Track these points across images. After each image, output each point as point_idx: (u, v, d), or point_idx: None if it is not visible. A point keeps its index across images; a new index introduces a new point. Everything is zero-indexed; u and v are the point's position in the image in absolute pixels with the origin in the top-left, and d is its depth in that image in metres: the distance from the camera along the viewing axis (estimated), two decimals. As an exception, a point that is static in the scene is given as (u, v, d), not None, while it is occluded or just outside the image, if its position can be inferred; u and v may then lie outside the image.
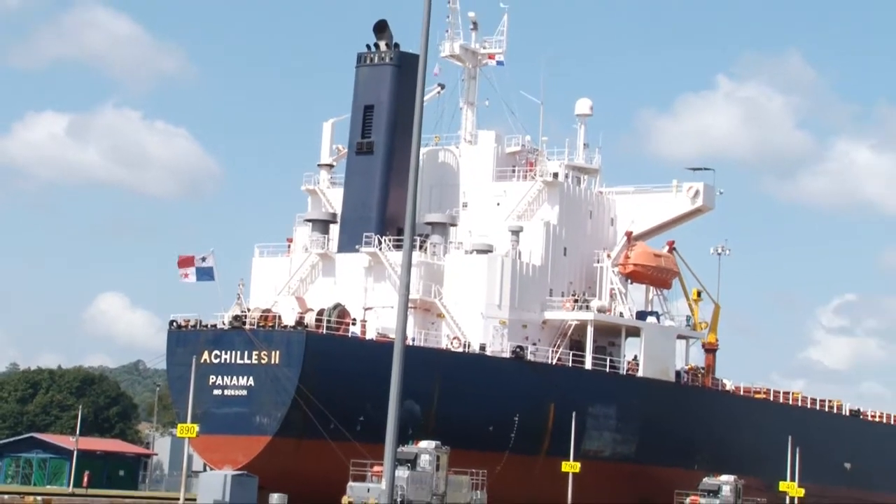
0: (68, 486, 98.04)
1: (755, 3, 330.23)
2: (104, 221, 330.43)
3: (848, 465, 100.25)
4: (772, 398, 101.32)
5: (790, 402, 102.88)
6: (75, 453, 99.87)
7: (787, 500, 77.94)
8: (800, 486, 77.62)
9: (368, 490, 62.76)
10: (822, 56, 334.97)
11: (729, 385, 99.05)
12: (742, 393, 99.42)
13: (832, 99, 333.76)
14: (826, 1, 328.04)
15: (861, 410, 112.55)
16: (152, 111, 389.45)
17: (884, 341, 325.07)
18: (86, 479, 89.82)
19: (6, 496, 68.63)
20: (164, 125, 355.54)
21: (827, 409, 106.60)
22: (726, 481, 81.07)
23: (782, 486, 77.61)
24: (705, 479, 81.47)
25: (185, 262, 73.12)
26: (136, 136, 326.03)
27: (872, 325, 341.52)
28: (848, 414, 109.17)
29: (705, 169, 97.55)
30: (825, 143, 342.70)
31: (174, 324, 76.19)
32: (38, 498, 68.57)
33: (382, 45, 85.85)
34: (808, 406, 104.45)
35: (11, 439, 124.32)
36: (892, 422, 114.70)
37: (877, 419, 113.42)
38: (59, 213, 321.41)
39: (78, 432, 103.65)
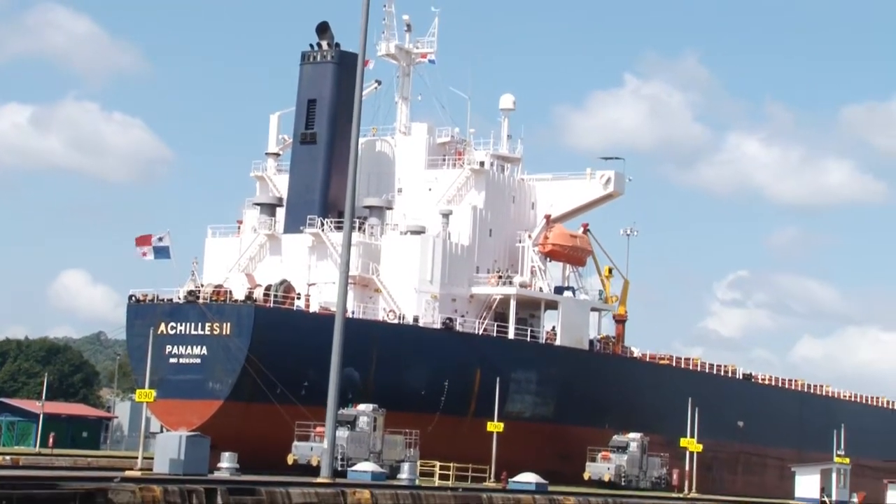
0: (35, 446, 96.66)
1: (656, 9, 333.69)
2: (66, 204, 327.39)
3: (741, 423, 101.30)
4: (674, 364, 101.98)
5: (690, 367, 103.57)
6: (41, 417, 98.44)
7: (687, 455, 78.39)
8: (698, 441, 78.04)
9: (312, 449, 62.61)
10: (715, 57, 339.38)
11: (636, 352, 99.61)
12: (648, 359, 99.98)
13: (725, 96, 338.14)
14: (718, 7, 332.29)
15: (752, 374, 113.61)
16: (110, 103, 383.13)
17: (772, 313, 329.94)
18: (51, 440, 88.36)
19: (-23, 456, 67.46)
20: (122, 116, 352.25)
21: (722, 373, 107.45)
22: (633, 438, 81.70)
23: (683, 442, 78.03)
24: (615, 437, 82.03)
25: (143, 241, 72.10)
26: (94, 126, 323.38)
27: (762, 298, 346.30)
28: (741, 378, 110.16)
29: (615, 158, 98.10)
30: (719, 136, 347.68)
31: (133, 298, 75.41)
32: (7, 457, 67.46)
33: (324, 44, 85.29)
34: (706, 371, 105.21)
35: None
36: (779, 384, 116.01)
37: (765, 382, 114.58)
38: (23, 197, 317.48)
39: (44, 397, 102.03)
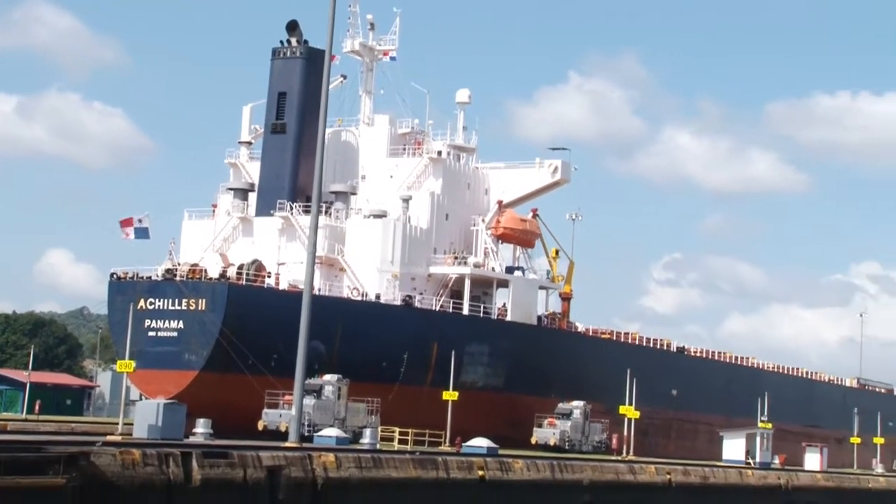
0: (22, 413, 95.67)
1: (598, 13, 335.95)
2: (50, 188, 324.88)
3: (674, 392, 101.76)
4: (614, 338, 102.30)
5: (628, 341, 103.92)
6: (28, 385, 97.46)
7: (626, 421, 78.76)
8: (636, 409, 78.42)
9: (280, 416, 62.27)
10: (652, 57, 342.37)
11: (580, 327, 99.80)
12: (591, 334, 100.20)
13: (660, 92, 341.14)
14: (656, 11, 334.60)
15: (685, 348, 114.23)
16: (91, 94, 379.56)
17: (703, 291, 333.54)
18: (37, 407, 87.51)
19: (-31, 422, 66.68)
20: (102, 106, 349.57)
21: (657, 346, 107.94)
22: (577, 406, 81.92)
23: (622, 409, 78.33)
24: (560, 405, 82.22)
25: (125, 222, 71.62)
26: (77, 115, 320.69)
27: (694, 278, 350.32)
28: (674, 350, 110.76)
29: (562, 149, 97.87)
30: (655, 129, 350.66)
31: (114, 276, 74.63)
32: (-5, 423, 66.77)
33: (293, 41, 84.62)
34: (643, 344, 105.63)
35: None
36: (709, 357, 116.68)
37: (697, 355, 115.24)
38: (9, 182, 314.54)
39: (30, 367, 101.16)
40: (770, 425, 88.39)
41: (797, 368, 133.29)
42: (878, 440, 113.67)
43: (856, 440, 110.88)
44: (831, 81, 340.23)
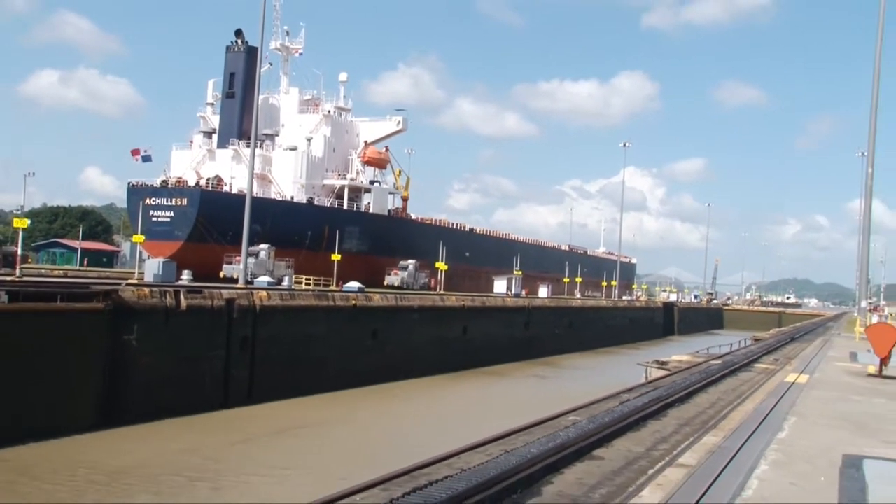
0: (76, 266, 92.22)
1: (411, 28, 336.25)
2: (85, 130, 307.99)
3: (467, 254, 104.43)
4: (433, 223, 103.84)
5: (441, 224, 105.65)
6: (79, 250, 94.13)
7: (439, 272, 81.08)
8: (445, 264, 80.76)
9: (234, 269, 62.06)
10: (446, 55, 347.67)
11: (413, 216, 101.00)
12: (420, 221, 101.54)
13: (452, 76, 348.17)
14: (447, 27, 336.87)
15: (473, 228, 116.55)
16: (106, 70, 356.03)
17: (482, 195, 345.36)
18: (85, 263, 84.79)
19: (43, 271, 64.52)
20: (114, 77, 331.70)
21: (458, 228, 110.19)
22: (411, 262, 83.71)
23: (437, 264, 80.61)
24: (401, 262, 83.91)
25: (134, 152, 69.22)
26: (97, 83, 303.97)
27: (476, 187, 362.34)
28: (467, 230, 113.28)
29: (402, 110, 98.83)
30: (450, 99, 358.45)
31: (131, 184, 72.15)
32: (60, 271, 64.60)
33: (239, 41, 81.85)
34: (449, 226, 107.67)
35: (44, 242, 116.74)
36: (487, 234, 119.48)
37: (480, 232, 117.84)
38: (58, 126, 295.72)
39: (80, 239, 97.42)
40: (520, 272, 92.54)
41: (535, 240, 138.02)
42: (578, 279, 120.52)
43: (566, 280, 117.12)
44: (548, 73, 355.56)
